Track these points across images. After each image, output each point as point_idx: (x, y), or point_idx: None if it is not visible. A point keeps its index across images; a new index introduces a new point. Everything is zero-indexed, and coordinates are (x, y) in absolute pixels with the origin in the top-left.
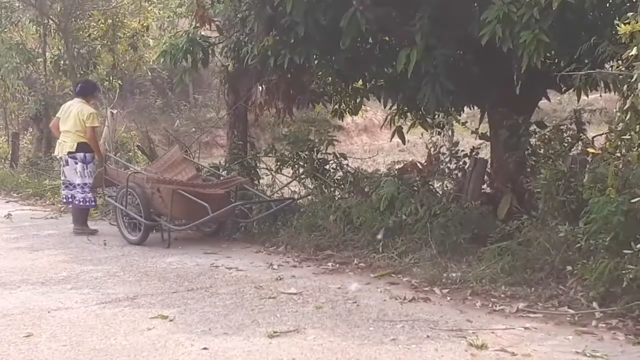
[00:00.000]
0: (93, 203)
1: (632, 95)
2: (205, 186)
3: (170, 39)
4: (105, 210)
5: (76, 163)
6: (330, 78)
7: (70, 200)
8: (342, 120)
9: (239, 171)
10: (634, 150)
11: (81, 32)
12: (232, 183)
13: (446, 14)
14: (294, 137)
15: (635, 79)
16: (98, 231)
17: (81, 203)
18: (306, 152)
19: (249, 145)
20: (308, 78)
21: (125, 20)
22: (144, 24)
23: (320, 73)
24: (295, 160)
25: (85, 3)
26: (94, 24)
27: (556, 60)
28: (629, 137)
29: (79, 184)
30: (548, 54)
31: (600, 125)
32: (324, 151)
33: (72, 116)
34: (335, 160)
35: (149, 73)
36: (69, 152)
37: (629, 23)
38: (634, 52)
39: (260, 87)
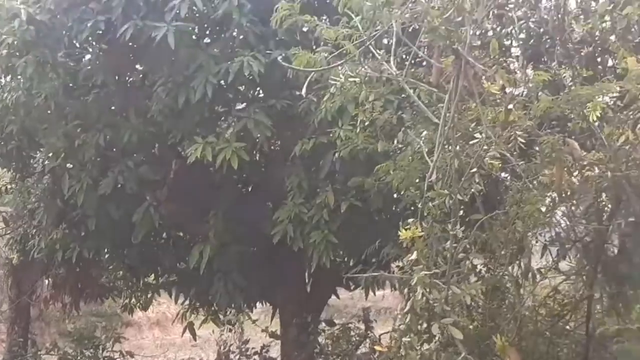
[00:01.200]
0: None
1: (412, 297)
2: None
3: None
4: None
5: None
6: (121, 272)
7: None
8: (132, 315)
9: None
10: (417, 350)
11: None
12: None
13: (240, 212)
14: (78, 334)
15: (415, 283)
16: None
17: None
18: (91, 350)
19: (30, 343)
20: (97, 272)
21: None
22: None
23: (110, 267)
24: (79, 359)
25: None
26: None
27: (345, 259)
28: (409, 338)
29: None
30: (337, 254)
31: (386, 322)
32: (110, 349)
33: None
34: (122, 358)
35: None
36: None
37: (410, 229)
38: (414, 256)
39: (46, 281)
